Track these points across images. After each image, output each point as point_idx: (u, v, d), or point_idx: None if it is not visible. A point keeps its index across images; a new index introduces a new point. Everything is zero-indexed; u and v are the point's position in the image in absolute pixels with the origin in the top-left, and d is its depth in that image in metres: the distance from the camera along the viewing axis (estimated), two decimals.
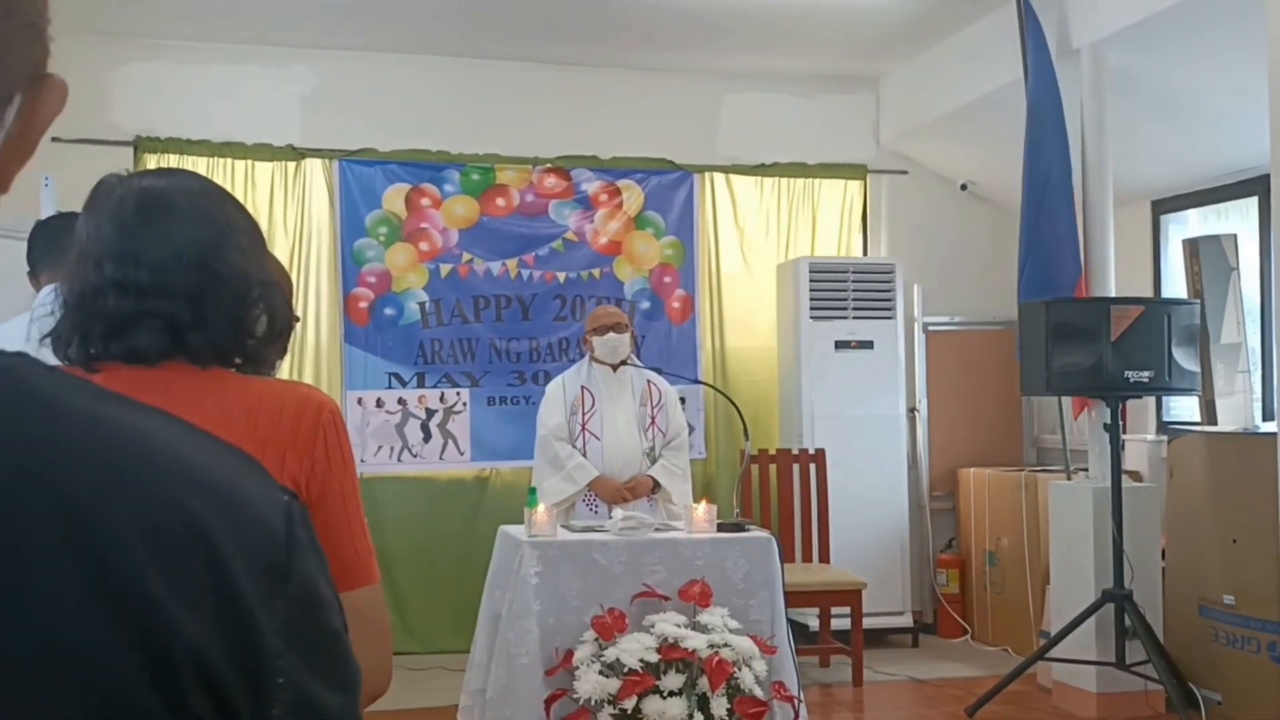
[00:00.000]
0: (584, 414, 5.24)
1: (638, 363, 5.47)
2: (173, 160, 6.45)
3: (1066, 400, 6.02)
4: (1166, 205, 6.63)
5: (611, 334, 5.22)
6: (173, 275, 1.50)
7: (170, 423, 0.64)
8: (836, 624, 6.22)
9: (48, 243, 3.19)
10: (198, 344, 1.51)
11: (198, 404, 1.49)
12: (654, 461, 5.23)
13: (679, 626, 4.28)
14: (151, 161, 6.42)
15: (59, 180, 4.43)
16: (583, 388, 5.28)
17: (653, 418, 5.27)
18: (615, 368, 5.30)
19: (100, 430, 0.60)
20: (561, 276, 6.96)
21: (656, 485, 5.24)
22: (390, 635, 1.63)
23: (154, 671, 0.56)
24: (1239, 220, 6.21)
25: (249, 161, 6.61)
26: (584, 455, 5.20)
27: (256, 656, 0.60)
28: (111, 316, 1.50)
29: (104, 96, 6.28)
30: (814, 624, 6.37)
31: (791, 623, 4.84)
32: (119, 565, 0.56)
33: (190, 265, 1.51)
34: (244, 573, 0.60)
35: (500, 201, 6.93)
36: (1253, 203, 6.07)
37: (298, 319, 1.75)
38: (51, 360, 1.47)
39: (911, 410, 7.16)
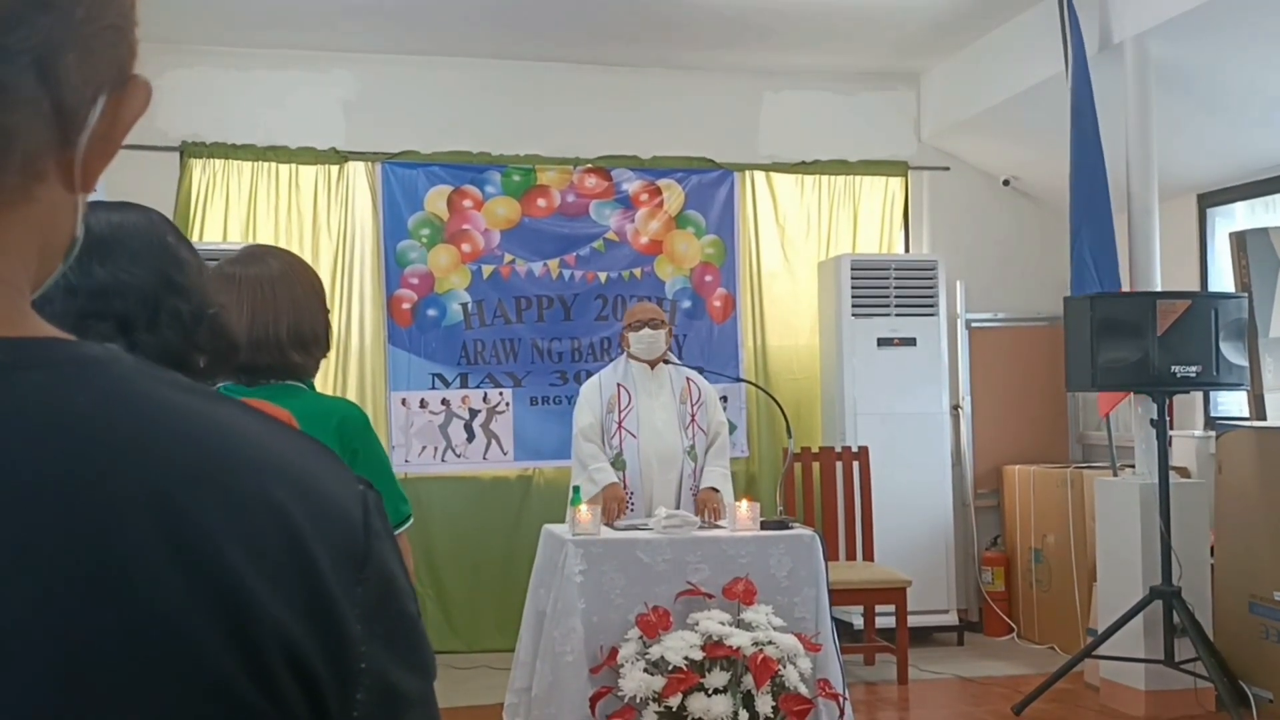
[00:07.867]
0: (620, 412, 5.20)
1: (676, 360, 5.46)
2: (219, 164, 6.53)
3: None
4: (1213, 198, 6.55)
5: (647, 329, 5.20)
6: (128, 275, 1.48)
7: (249, 414, 0.65)
8: (881, 622, 6.20)
9: None
10: (149, 346, 1.47)
11: None
12: (695, 460, 5.21)
13: (723, 624, 4.29)
14: (198, 166, 6.50)
15: (107, 186, 4.49)
16: (619, 385, 5.24)
17: (693, 415, 5.24)
18: (653, 365, 5.29)
19: (187, 423, 0.62)
20: (603, 276, 6.98)
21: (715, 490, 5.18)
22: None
23: (246, 657, 0.58)
24: None
25: (293, 165, 6.67)
26: (621, 453, 5.18)
27: (340, 642, 0.61)
28: (61, 321, 1.50)
29: (150, 102, 6.34)
30: (858, 622, 6.35)
31: (836, 621, 4.83)
32: (210, 555, 0.58)
33: (147, 270, 1.50)
34: (326, 560, 0.62)
35: (541, 202, 6.96)
36: None
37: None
38: None
39: (955, 407, 7.13)
